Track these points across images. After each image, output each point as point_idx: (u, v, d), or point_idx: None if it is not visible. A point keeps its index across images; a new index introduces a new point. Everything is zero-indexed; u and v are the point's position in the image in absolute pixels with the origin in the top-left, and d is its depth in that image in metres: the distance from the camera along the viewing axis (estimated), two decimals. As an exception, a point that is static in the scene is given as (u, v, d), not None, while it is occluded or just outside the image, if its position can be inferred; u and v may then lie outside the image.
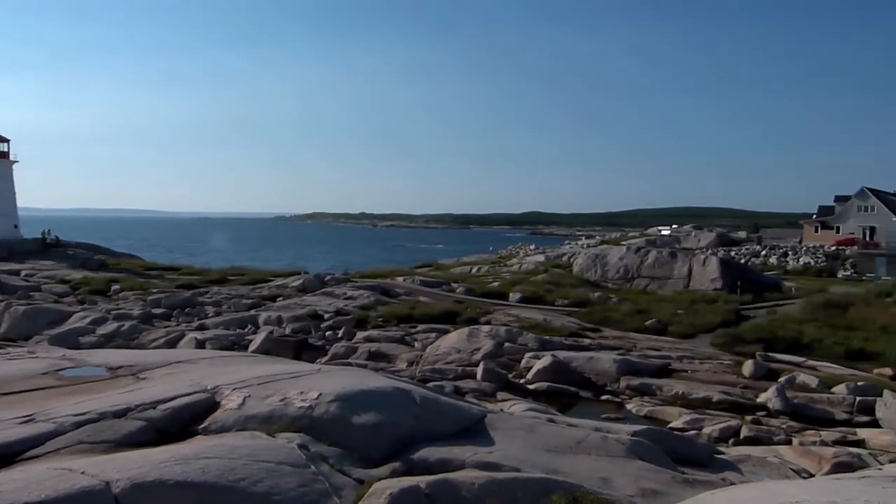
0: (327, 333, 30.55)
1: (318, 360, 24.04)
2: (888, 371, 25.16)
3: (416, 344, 28.45)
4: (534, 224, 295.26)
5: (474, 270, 57.71)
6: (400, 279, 47.63)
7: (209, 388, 8.93)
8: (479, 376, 22.94)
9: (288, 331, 30.82)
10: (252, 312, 34.61)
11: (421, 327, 31.14)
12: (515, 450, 8.26)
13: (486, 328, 28.77)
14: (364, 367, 22.57)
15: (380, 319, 33.05)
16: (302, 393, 8.60)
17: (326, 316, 33.45)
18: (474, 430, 8.94)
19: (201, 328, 31.50)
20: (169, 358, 11.95)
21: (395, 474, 7.05)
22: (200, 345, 27.18)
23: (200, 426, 7.89)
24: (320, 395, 8.48)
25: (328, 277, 44.32)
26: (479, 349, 26.14)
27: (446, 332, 29.29)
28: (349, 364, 23.43)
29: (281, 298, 38.71)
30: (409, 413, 8.68)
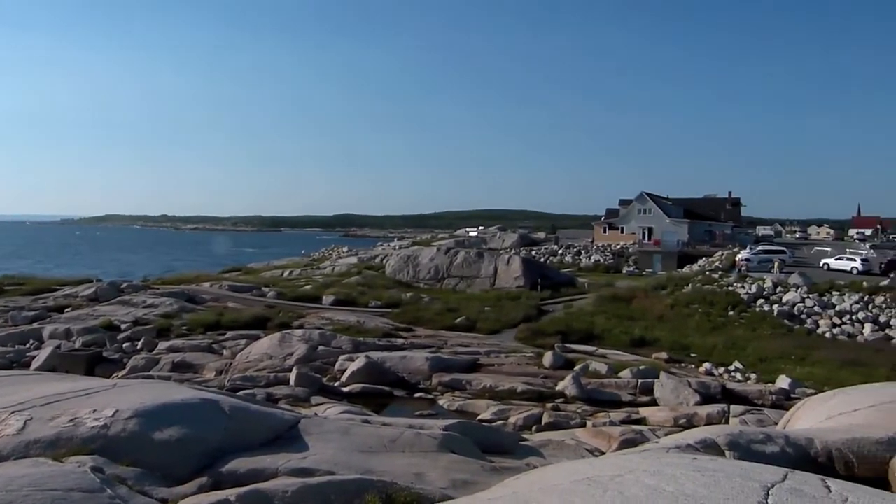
0: (125, 345, 28.32)
1: (115, 375, 22.29)
2: (664, 355, 28.41)
3: (225, 352, 27.32)
4: (346, 226, 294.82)
5: (286, 274, 56.52)
6: (206, 284, 45.46)
7: (-19, 413, 7.96)
8: (292, 382, 22.51)
9: (78, 344, 28.13)
10: (35, 326, 31.17)
11: (230, 334, 29.97)
12: (330, 453, 8.26)
13: (298, 332, 28.34)
14: (168, 379, 21.29)
15: (184, 328, 31.33)
16: (95, 411, 7.94)
17: (123, 326, 31.01)
18: (288, 437, 8.81)
19: (-29, 346, 27.80)
20: (-70, 382, 10.47)
21: (202, 490, 6.78)
22: (-30, 365, 23.98)
23: (-31, 458, 7.02)
24: (116, 412, 7.90)
25: (124, 285, 41.16)
26: (291, 354, 25.66)
27: (257, 338, 28.46)
28: (150, 377, 21.95)
29: (70, 309, 35.28)
30: (217, 425, 8.35)
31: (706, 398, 20.73)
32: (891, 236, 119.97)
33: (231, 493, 6.37)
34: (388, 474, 7.55)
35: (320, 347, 26.58)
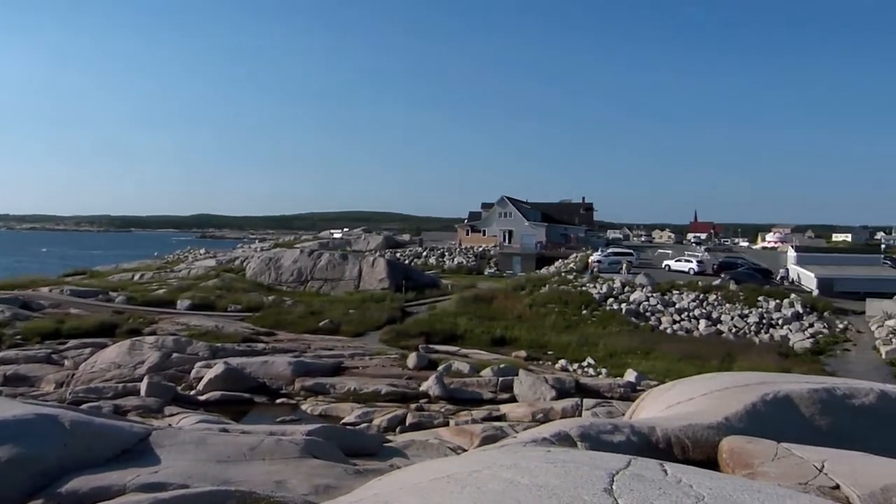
0: (-54, 358, 25.55)
1: (-66, 392, 20.05)
2: (523, 353, 29.62)
3: (67, 362, 25.34)
4: (204, 227, 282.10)
5: (137, 277, 53.19)
6: (45, 289, 41.89)
7: None
8: (143, 392, 21.27)
9: None
10: None
11: (72, 343, 27.84)
12: (184, 465, 7.90)
13: (150, 339, 26.89)
14: (-2, 394, 19.47)
15: (18, 337, 28.73)
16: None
17: (-55, 338, 27.96)
18: (137, 451, 8.32)
19: None
20: None
21: (40, 512, 6.27)
22: None
23: None
24: (-63, 433, 7.14)
25: (-54, 291, 37.09)
26: (142, 362, 24.29)
27: (104, 346, 26.67)
28: (-22, 392, 19.95)
29: None
30: (55, 441, 7.73)
31: (562, 393, 21.84)
32: (723, 240, 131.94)
33: (72, 513, 5.94)
34: (247, 483, 7.34)
35: (175, 355, 25.34)
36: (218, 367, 23.09)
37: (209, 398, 21.84)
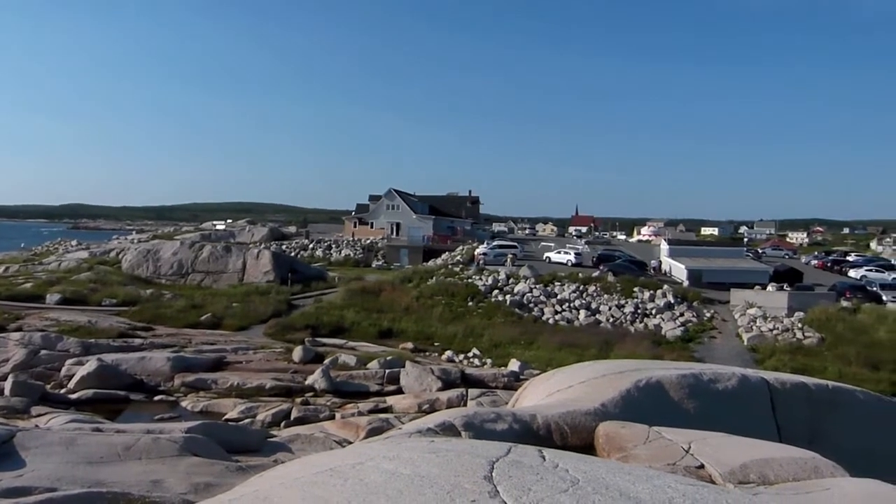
0: None
1: None
2: (410, 345, 29.86)
3: (-85, 362, 23.17)
4: (76, 217, 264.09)
5: (1, 270, 49.29)
6: None
7: None
8: (7, 391, 19.80)
9: None
10: None
11: (-79, 341, 25.44)
12: (52, 468, 7.49)
13: (16, 335, 25.21)
14: None
15: None
16: None
17: None
18: (0, 454, 7.82)
19: None
20: None
21: None
22: None
23: None
24: None
25: None
26: (7, 360, 22.71)
27: (-41, 344, 24.55)
28: None
29: None
30: None
31: (447, 384, 22.22)
32: (602, 233, 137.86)
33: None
34: (121, 484, 7.07)
35: (43, 352, 23.80)
36: (91, 364, 21.84)
37: (81, 397, 20.62)
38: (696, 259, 51.00)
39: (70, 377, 21.88)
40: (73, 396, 20.66)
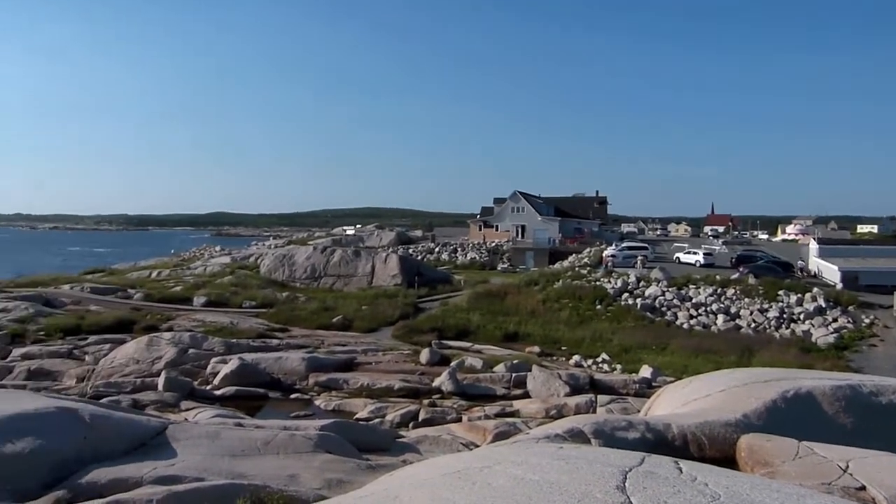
0: (-31, 353, 25.91)
1: (-44, 386, 20.33)
2: (536, 349, 29.52)
3: (87, 357, 25.63)
4: (219, 225, 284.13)
5: (154, 275, 53.65)
6: (66, 287, 42.42)
7: None
8: (160, 387, 21.47)
9: (-88, 354, 25.44)
10: None
11: (92, 339, 28.11)
12: (199, 459, 7.97)
13: (167, 335, 27.10)
14: (22, 388, 19.81)
15: (41, 333, 29.07)
16: (-67, 426, 7.25)
17: (-31, 333, 28.31)
18: (154, 444, 8.42)
19: None
20: None
21: (59, 503, 6.36)
22: None
23: None
24: (-41, 425, 7.25)
25: (-33, 288, 37.56)
26: (160, 358, 24.50)
27: (122, 342, 26.92)
28: (3, 387, 20.23)
29: None
30: (75, 434, 7.84)
31: (575, 389, 21.74)
32: (741, 233, 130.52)
33: (89, 506, 6.02)
34: (260, 477, 7.39)
35: (191, 350, 25.53)
36: (233, 363, 23.24)
37: (224, 393, 21.98)
38: (851, 259, 46.84)
39: (214, 374, 23.35)
40: (218, 393, 22.06)
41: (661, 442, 6.62)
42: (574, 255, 62.05)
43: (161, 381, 21.72)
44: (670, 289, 39.48)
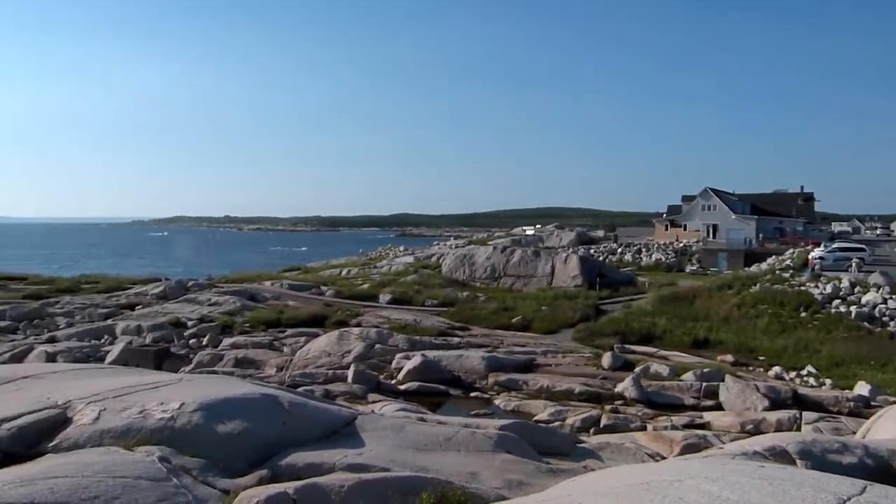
0: (191, 341, 29.21)
1: (182, 370, 22.99)
2: (730, 357, 27.52)
3: (285, 349, 27.84)
4: (402, 225, 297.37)
5: (343, 273, 57.20)
6: (267, 283, 46.45)
7: (60, 403, 8.26)
8: (349, 379, 22.79)
9: (148, 340, 29.19)
10: (108, 322, 32.46)
11: (289, 332, 30.51)
12: (385, 450, 8.27)
13: (356, 330, 28.67)
14: (231, 374, 21.86)
15: (246, 325, 32.08)
16: (162, 404, 8.16)
17: (189, 323, 31.99)
18: (344, 433, 8.87)
19: (52, 340, 29.12)
20: (15, 373, 10.93)
21: (262, 482, 6.86)
22: (51, 358, 25.07)
23: (50, 444, 7.28)
24: (182, 405, 8.09)
25: (191, 283, 42.43)
26: (349, 352, 25.98)
27: (316, 335, 28.89)
28: (215, 372, 22.57)
29: (140, 307, 36.58)
30: (276, 419, 8.47)
31: (775, 403, 19.92)
32: None
33: (289, 485, 6.44)
34: (443, 472, 7.51)
35: (377, 345, 26.82)
36: (416, 359, 24.09)
37: (407, 388, 22.84)
38: None
39: (399, 370, 24.34)
40: (401, 387, 22.97)
41: (884, 470, 5.84)
42: (773, 256, 57.44)
43: (350, 373, 23.04)
44: (893, 296, 34.97)
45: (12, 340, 29.33)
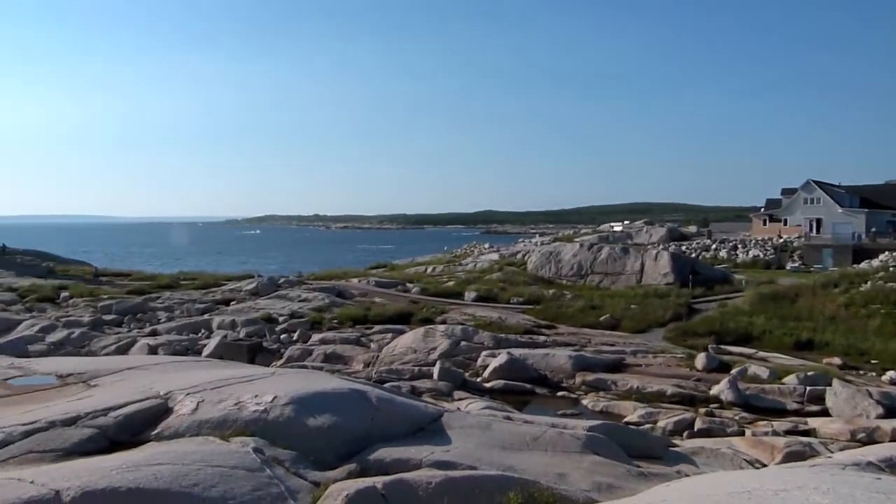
0: (282, 336, 30.16)
1: (273, 364, 23.71)
2: (837, 360, 25.94)
3: (372, 345, 28.29)
4: (487, 223, 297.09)
5: (429, 270, 57.66)
6: (354, 280, 47.37)
7: (162, 393, 8.71)
8: (435, 376, 22.90)
9: (242, 335, 30.33)
10: (205, 317, 34.00)
11: (376, 328, 30.97)
12: (471, 448, 8.24)
13: (441, 328, 28.76)
14: (320, 369, 22.35)
15: (335, 321, 32.79)
16: (256, 396, 8.44)
17: (281, 319, 33.04)
18: (430, 430, 8.89)
19: (153, 334, 30.78)
20: (120, 364, 11.63)
21: (351, 476, 6.97)
22: (153, 351, 26.52)
23: (153, 432, 7.70)
24: (275, 398, 8.33)
25: (282, 280, 43.79)
26: (434, 349, 26.13)
27: (402, 332, 29.19)
28: (305, 367, 23.16)
29: (234, 302, 38.11)
30: (364, 414, 8.59)
31: (890, 411, 18.58)
32: None
33: (377, 480, 6.50)
34: (530, 473, 7.40)
35: (462, 343, 26.85)
36: (502, 357, 23.96)
37: (493, 386, 22.73)
38: None
39: (484, 367, 24.27)
40: (487, 385, 22.87)
41: None
42: (887, 252, 53.87)
43: (436, 370, 23.15)
44: None
45: (117, 333, 31.19)
